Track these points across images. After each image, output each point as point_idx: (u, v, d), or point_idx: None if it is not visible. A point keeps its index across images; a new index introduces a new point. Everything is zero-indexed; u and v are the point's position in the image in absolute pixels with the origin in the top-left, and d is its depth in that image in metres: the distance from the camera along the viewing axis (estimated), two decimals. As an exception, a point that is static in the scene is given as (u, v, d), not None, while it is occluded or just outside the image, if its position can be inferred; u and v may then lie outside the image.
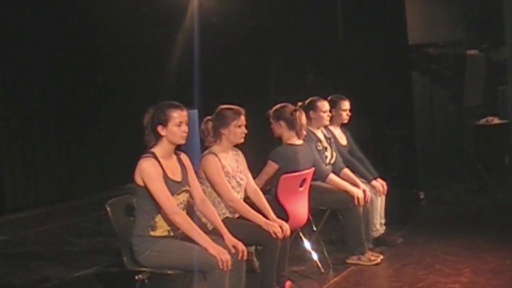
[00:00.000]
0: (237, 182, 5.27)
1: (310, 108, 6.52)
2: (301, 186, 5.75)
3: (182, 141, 4.56)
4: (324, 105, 6.58)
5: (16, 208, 10.00)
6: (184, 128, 4.52)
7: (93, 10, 10.68)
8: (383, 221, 7.03)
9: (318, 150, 6.38)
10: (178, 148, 4.71)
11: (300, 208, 5.77)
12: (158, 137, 4.52)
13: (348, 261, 6.36)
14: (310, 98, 6.62)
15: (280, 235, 5.05)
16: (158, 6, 10.80)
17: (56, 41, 10.40)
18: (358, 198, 6.27)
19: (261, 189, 5.53)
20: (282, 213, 5.48)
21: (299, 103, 6.37)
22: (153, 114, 4.54)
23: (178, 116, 4.50)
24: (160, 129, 4.49)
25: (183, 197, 4.59)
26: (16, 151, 10.17)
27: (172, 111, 4.51)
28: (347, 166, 6.72)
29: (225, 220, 4.94)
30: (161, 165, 4.46)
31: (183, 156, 4.73)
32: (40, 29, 10.16)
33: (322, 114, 6.53)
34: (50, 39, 10.30)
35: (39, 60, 10.26)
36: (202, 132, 5.35)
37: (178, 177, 4.57)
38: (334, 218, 6.69)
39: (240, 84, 11.59)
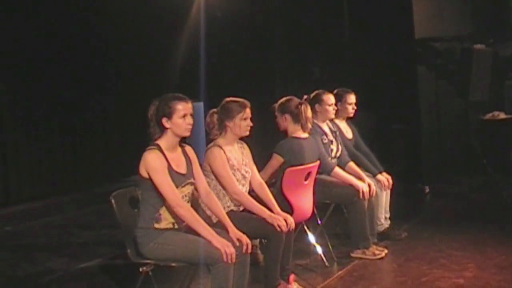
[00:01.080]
0: (242, 175, 5.26)
1: (315, 102, 6.51)
2: (306, 179, 5.74)
3: (187, 133, 4.55)
4: (330, 98, 6.56)
5: (20, 200, 10.01)
6: (189, 120, 4.51)
7: (101, 3, 10.67)
8: (387, 215, 7.02)
9: (324, 144, 6.37)
10: (183, 141, 4.70)
11: (304, 201, 5.76)
12: (163, 129, 4.51)
13: (352, 255, 6.35)
14: (316, 92, 6.61)
15: (284, 228, 5.04)
16: (165, 0, 10.79)
17: (63, 32, 10.39)
18: (363, 192, 6.26)
19: (266, 182, 5.52)
20: (287, 207, 5.48)
21: (305, 96, 6.35)
22: (157, 106, 4.53)
23: (183, 108, 4.49)
24: (164, 121, 4.48)
25: (188, 189, 4.58)
26: (21, 143, 10.17)
27: (177, 103, 4.49)
28: (352, 160, 6.71)
29: (230, 213, 4.93)
30: (165, 158, 4.45)
31: (188, 149, 4.72)
32: (47, 21, 10.16)
33: (327, 107, 6.52)
34: (56, 30, 10.30)
35: (44, 52, 10.24)
36: (207, 124, 5.35)
37: (183, 169, 4.56)
38: (338, 211, 6.68)
39: (245, 77, 11.59)
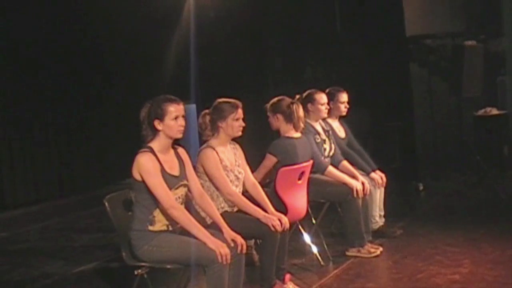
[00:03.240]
0: (235, 175, 5.27)
1: (308, 101, 6.50)
2: (299, 179, 5.74)
3: (179, 135, 4.55)
4: (322, 97, 6.56)
5: (16, 205, 10.00)
6: (181, 122, 4.51)
7: (92, 5, 10.66)
8: (382, 213, 7.03)
9: (317, 143, 6.37)
10: (176, 142, 4.70)
11: (299, 201, 5.76)
12: (155, 131, 4.51)
13: (347, 253, 6.36)
14: (308, 91, 6.60)
15: (279, 228, 5.04)
16: (156, 1, 10.79)
17: (55, 38, 10.39)
18: (357, 190, 6.26)
19: (260, 183, 5.53)
20: (281, 206, 5.47)
21: (297, 96, 6.36)
22: (149, 109, 4.53)
23: (175, 110, 4.49)
24: (156, 123, 4.48)
25: (181, 191, 4.58)
26: (16, 148, 10.16)
27: (169, 105, 4.49)
28: (345, 159, 6.71)
29: (224, 214, 4.94)
30: (158, 160, 4.45)
31: (181, 150, 4.72)
32: (40, 26, 10.15)
33: (320, 106, 6.51)
34: (48, 36, 10.29)
35: (38, 57, 10.24)
36: (199, 125, 5.35)
37: (176, 171, 4.56)
38: (333, 210, 6.68)
39: (238, 77, 11.60)
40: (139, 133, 4.61)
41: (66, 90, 10.77)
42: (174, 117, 4.48)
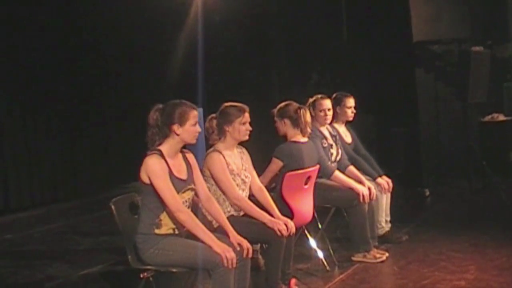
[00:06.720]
0: (242, 179, 5.26)
1: (313, 107, 6.52)
2: (306, 183, 5.74)
3: (194, 141, 4.58)
4: (325, 103, 6.55)
5: (20, 207, 9.99)
6: (198, 128, 4.55)
7: (98, 7, 10.67)
8: (388, 219, 7.03)
9: (324, 148, 6.37)
10: (183, 146, 4.70)
11: (305, 205, 5.76)
12: (167, 135, 4.50)
13: (353, 258, 6.36)
14: (315, 97, 6.61)
15: (285, 232, 5.04)
16: (162, 5, 10.80)
17: (60, 38, 10.39)
18: (363, 195, 6.26)
19: (266, 187, 5.53)
20: (287, 211, 5.47)
21: (310, 100, 6.40)
22: (168, 112, 4.51)
23: (194, 116, 4.53)
24: (175, 127, 4.47)
25: (188, 195, 4.58)
26: (20, 150, 10.15)
27: (190, 111, 4.52)
28: (352, 164, 6.71)
29: (230, 218, 4.93)
30: (167, 163, 4.45)
31: (189, 154, 4.72)
32: (43, 26, 10.15)
33: (321, 112, 6.51)
34: (53, 36, 10.29)
35: (42, 58, 10.24)
36: (206, 130, 5.35)
37: (183, 175, 4.56)
38: (339, 215, 6.68)
39: (244, 82, 11.60)
40: (144, 137, 4.61)
41: (71, 94, 10.76)
42: (194, 123, 4.50)
